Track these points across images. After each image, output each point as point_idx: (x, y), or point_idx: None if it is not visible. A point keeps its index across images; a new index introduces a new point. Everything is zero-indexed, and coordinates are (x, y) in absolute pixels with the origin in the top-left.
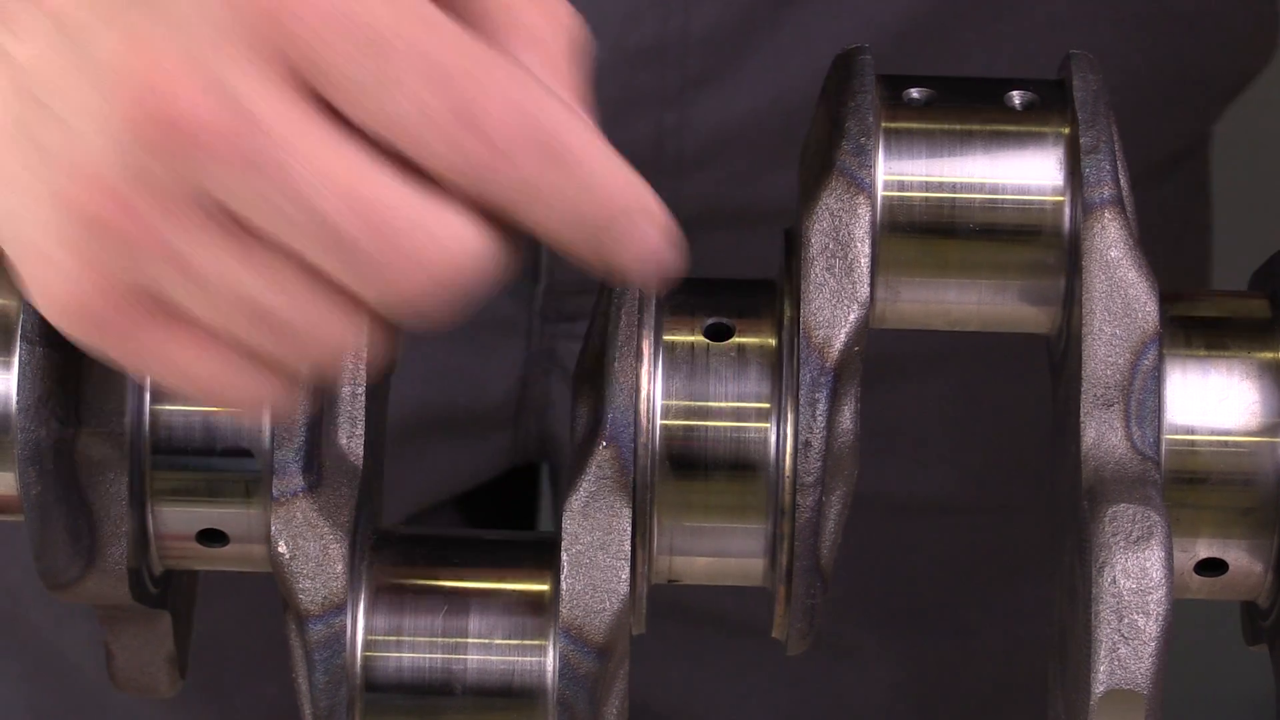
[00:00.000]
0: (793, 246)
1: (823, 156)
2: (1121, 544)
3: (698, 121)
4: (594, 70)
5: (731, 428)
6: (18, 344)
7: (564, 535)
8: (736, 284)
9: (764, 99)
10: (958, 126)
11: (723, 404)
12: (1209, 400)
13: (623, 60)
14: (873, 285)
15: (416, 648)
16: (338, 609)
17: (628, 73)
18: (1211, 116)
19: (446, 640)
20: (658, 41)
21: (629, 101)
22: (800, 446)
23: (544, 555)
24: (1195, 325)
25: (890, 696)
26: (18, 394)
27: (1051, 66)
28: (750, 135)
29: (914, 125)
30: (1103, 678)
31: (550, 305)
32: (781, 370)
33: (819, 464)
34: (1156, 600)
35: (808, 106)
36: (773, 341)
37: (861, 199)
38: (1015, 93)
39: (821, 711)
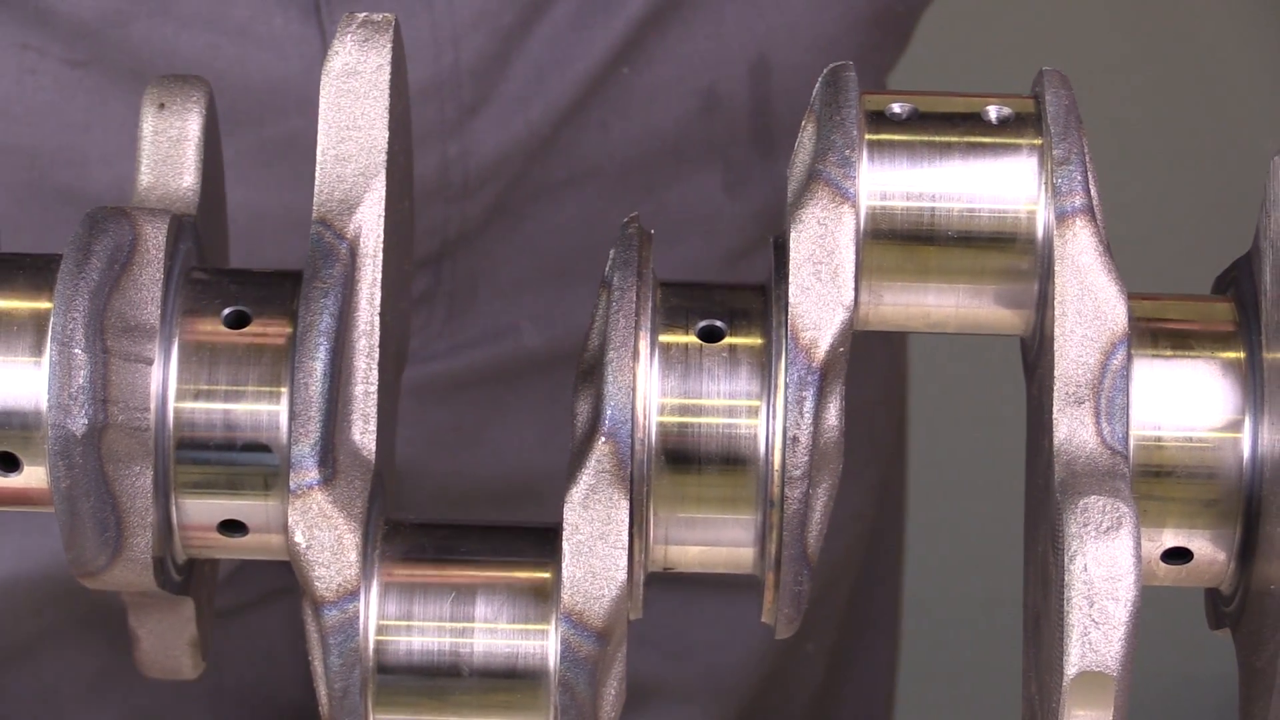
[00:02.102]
0: (781, 253)
1: (810, 168)
2: (1092, 534)
3: (478, 145)
4: None
5: (723, 424)
6: (48, 345)
7: (565, 525)
8: (728, 288)
9: (533, 111)
10: (937, 139)
11: (715, 401)
12: (1175, 398)
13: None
14: (857, 289)
15: (426, 632)
16: (351, 595)
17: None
18: (896, 54)
19: (454, 625)
20: (434, 79)
21: (414, 139)
22: (788, 442)
23: (546, 544)
24: (1162, 327)
25: None
26: (48, 391)
27: (738, 50)
28: (523, 146)
29: (896, 138)
30: (1075, 660)
31: None
32: (771, 369)
33: (806, 458)
34: (1125, 587)
35: (573, 110)
36: (762, 342)
37: (846, 208)
38: (991, 107)
39: None
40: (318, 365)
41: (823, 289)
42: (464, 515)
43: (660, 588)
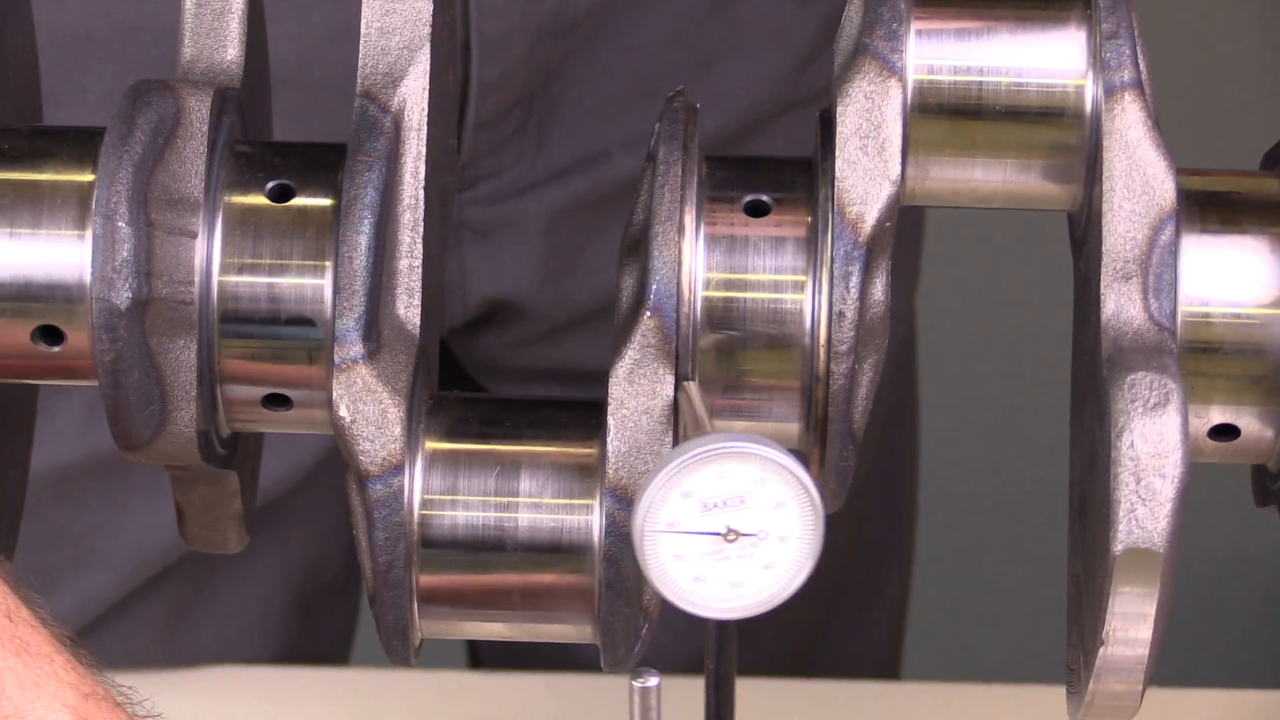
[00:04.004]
0: (828, 127)
1: (857, 41)
2: (1140, 410)
3: (578, 77)
4: (507, 50)
5: (769, 299)
6: (92, 218)
7: (610, 400)
8: (774, 162)
9: (635, 41)
10: (985, 12)
11: (761, 276)
12: (1223, 274)
13: (529, 39)
14: (904, 164)
15: (470, 506)
16: (396, 469)
17: (529, 49)
18: None
19: (499, 499)
20: (554, 17)
21: (532, 74)
22: (834, 317)
23: (591, 419)
24: (1210, 203)
25: None
26: (92, 265)
27: None
28: (620, 79)
29: (944, 11)
30: (1121, 537)
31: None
32: (816, 244)
33: (852, 333)
34: (1172, 464)
35: (670, 40)
36: (808, 217)
37: (894, 82)
38: None
39: None
40: (362, 239)
41: (869, 163)
42: (568, 345)
43: None
